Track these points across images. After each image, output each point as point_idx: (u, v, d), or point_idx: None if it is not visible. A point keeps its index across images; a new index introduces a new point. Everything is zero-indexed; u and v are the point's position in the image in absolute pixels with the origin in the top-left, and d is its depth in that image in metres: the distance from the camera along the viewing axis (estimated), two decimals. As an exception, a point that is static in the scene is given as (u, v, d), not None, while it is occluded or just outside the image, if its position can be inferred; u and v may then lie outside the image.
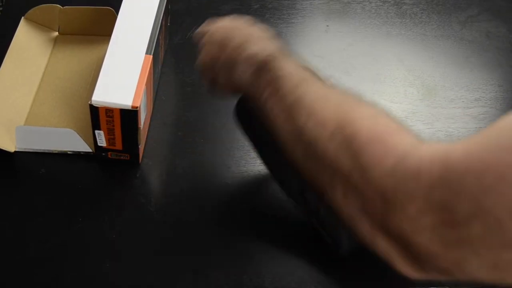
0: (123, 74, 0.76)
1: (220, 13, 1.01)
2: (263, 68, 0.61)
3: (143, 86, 0.75)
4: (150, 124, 0.86)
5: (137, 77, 0.76)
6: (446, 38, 1.00)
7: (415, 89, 0.93)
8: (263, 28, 0.68)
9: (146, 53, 0.79)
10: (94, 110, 0.74)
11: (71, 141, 0.80)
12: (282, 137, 0.58)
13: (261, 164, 0.77)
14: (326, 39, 1.00)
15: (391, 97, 0.92)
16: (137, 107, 0.73)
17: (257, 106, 0.61)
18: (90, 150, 0.81)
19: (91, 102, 0.73)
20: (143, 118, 0.77)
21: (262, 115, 0.61)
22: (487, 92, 0.93)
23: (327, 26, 1.01)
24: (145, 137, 0.84)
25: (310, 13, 1.03)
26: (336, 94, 0.57)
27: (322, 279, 0.73)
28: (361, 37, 1.00)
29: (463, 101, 0.91)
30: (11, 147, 0.81)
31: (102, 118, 0.74)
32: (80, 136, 0.80)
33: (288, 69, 0.59)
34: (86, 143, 0.80)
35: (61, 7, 0.92)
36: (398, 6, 1.06)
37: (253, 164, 0.82)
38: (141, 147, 0.81)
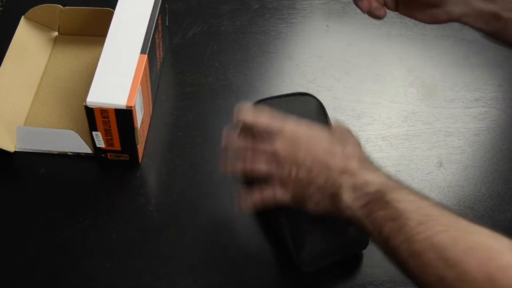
0: (117, 74, 0.76)
1: (220, 13, 1.01)
2: (378, 201, 0.58)
3: (138, 86, 0.75)
4: (150, 124, 0.86)
5: (132, 77, 0.76)
6: (446, 38, 1.00)
7: (415, 89, 0.92)
8: (352, 142, 0.65)
9: (141, 52, 0.78)
10: (90, 111, 0.74)
11: (72, 142, 0.80)
12: (413, 277, 0.55)
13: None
14: (326, 39, 1.00)
15: (391, 97, 0.92)
16: (131, 107, 0.73)
17: (372, 238, 0.59)
18: (91, 152, 0.81)
19: (86, 103, 0.73)
20: (139, 118, 0.77)
21: (381, 247, 0.59)
22: (487, 92, 0.93)
23: (327, 26, 1.01)
24: (145, 137, 0.84)
25: (310, 13, 1.03)
26: (467, 232, 0.54)
27: (325, 278, 0.73)
28: (361, 37, 1.00)
29: (463, 101, 0.91)
30: (11, 147, 0.81)
31: (98, 119, 0.74)
32: (81, 137, 0.80)
33: (407, 203, 0.57)
34: (87, 144, 0.80)
35: (62, 8, 0.92)
36: (398, 6, 1.06)
37: (253, 164, 0.82)
38: (141, 147, 0.81)
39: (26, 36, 0.90)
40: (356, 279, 0.73)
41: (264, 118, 0.66)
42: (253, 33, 0.99)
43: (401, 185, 0.60)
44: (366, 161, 0.64)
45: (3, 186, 0.80)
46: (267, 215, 0.76)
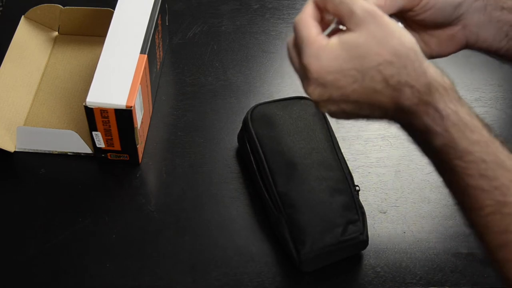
0: (117, 74, 0.76)
1: (220, 13, 1.01)
2: (426, 109, 0.54)
3: (138, 86, 0.75)
4: (150, 124, 0.86)
5: (132, 77, 0.76)
6: (446, 38, 1.00)
7: (415, 89, 0.92)
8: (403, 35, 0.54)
9: (141, 52, 0.79)
10: (89, 111, 0.74)
11: (72, 142, 0.80)
12: (460, 199, 0.53)
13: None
14: (326, 39, 1.00)
15: (391, 97, 0.91)
16: (131, 107, 0.73)
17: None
18: (91, 152, 0.81)
19: (85, 103, 0.73)
20: (139, 118, 0.77)
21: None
22: (487, 92, 0.93)
23: (327, 26, 1.01)
24: (145, 137, 0.84)
25: (310, 13, 1.03)
26: None
27: (325, 278, 0.73)
28: (361, 37, 1.00)
29: (463, 101, 0.91)
30: (11, 147, 0.81)
31: (98, 119, 0.74)
32: (81, 137, 0.80)
33: (459, 116, 0.54)
34: (87, 144, 0.80)
35: (62, 8, 0.92)
36: (398, 6, 1.05)
37: (253, 164, 0.82)
38: (141, 147, 0.81)
39: (26, 36, 0.91)
40: (356, 279, 0.73)
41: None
42: (253, 33, 0.99)
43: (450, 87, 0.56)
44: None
45: (3, 186, 0.80)
46: (267, 215, 0.76)
